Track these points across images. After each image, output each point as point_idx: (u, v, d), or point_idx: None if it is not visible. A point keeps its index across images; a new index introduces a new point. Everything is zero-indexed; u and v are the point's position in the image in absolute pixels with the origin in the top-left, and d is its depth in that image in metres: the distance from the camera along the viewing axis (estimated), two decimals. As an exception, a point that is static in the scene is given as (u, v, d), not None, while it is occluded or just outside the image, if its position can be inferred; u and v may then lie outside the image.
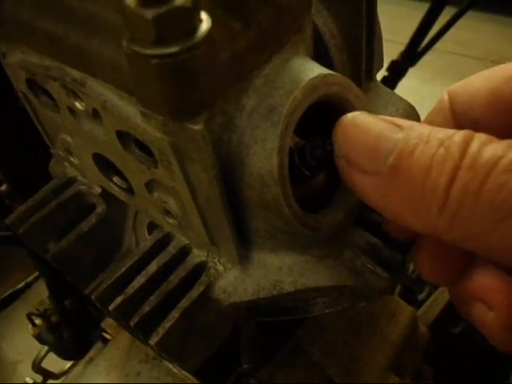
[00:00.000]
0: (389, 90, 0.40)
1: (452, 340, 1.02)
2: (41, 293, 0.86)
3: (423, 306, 0.84)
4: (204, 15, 0.22)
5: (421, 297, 1.12)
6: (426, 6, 1.20)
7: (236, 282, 0.32)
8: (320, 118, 0.31)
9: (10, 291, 0.92)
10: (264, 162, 0.26)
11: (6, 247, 0.77)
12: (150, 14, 0.20)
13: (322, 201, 0.32)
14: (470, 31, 2.37)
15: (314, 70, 0.27)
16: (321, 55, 0.34)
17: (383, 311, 0.63)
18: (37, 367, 0.93)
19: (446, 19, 1.33)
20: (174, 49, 0.21)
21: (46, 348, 0.91)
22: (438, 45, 1.43)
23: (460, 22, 1.37)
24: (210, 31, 0.22)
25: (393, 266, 0.33)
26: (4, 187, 0.87)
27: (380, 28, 0.38)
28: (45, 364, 0.94)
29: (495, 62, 2.21)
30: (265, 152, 0.26)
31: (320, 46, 0.34)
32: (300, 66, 0.28)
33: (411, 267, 1.19)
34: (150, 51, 0.21)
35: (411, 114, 0.38)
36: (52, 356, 0.90)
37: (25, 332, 0.90)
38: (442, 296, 0.85)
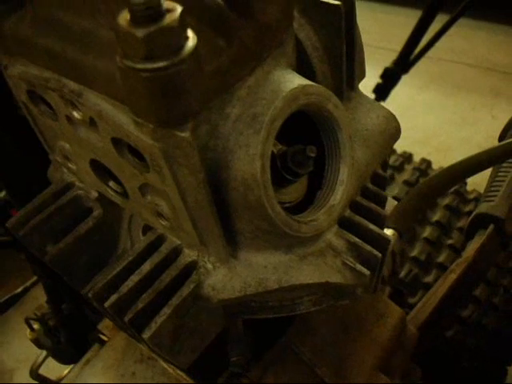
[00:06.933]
0: (370, 99, 0.42)
1: (445, 343, 1.03)
2: (38, 298, 0.86)
3: (414, 308, 0.85)
4: (190, 33, 0.24)
5: (413, 300, 1.14)
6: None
7: (224, 279, 0.34)
8: (302, 125, 0.34)
9: (8, 296, 0.93)
10: (247, 166, 0.28)
11: (4, 253, 0.78)
12: (140, 33, 0.22)
13: (304, 203, 0.34)
14: (463, 38, 2.41)
15: (294, 81, 0.30)
16: (304, 66, 0.36)
17: (372, 312, 0.64)
18: (34, 374, 0.94)
19: (439, 27, 1.36)
20: (162, 64, 0.23)
21: (43, 354, 0.92)
22: (432, 52, 1.46)
23: (452, 30, 1.39)
24: (196, 48, 0.24)
25: (372, 263, 0.35)
26: (3, 194, 0.89)
27: (361, 39, 0.41)
28: (42, 371, 0.95)
29: (488, 69, 2.24)
30: (248, 157, 0.28)
31: (303, 58, 0.36)
32: (280, 78, 0.30)
33: (404, 271, 1.21)
34: (140, 66, 0.23)
35: (391, 120, 0.41)
36: (49, 363, 0.91)
37: (22, 339, 0.90)
38: (432, 298, 0.86)
